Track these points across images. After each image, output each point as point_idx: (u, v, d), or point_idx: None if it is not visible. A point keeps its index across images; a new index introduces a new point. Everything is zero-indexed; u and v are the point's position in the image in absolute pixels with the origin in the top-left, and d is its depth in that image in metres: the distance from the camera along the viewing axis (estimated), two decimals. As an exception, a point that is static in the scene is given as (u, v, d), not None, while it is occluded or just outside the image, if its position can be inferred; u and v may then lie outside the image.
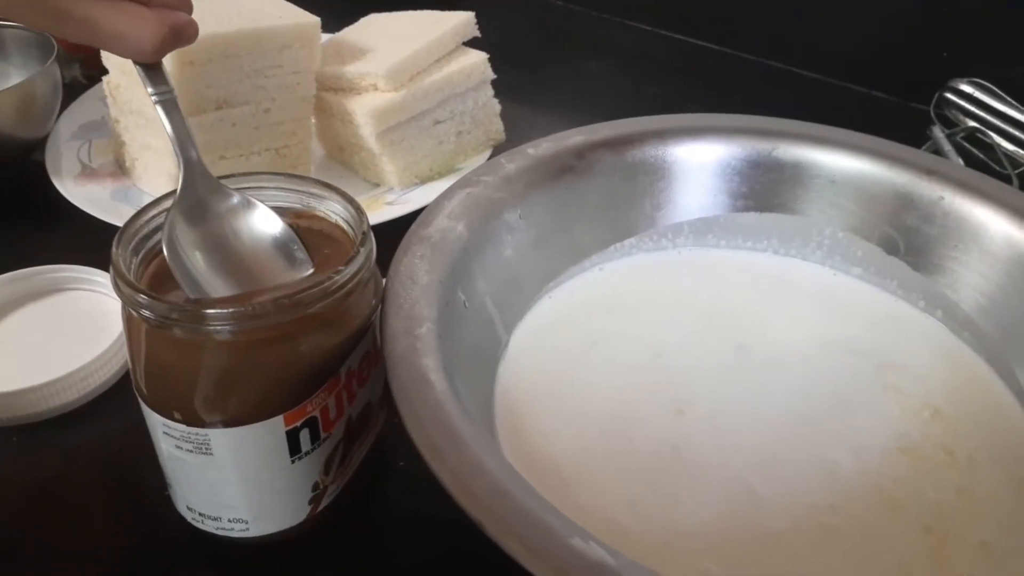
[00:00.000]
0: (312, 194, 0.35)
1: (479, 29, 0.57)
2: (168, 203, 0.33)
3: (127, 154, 0.55)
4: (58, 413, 0.41)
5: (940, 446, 0.36)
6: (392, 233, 0.38)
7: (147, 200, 0.52)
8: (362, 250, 0.31)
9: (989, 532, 0.33)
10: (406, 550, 0.37)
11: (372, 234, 0.32)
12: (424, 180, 0.56)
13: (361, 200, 0.54)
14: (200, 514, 0.33)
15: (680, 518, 0.34)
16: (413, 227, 0.38)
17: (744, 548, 0.33)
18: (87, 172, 0.55)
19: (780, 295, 0.44)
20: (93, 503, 0.38)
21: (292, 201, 0.35)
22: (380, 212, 0.52)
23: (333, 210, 0.34)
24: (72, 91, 0.63)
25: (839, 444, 0.36)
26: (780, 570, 0.32)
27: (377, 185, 0.57)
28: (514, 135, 0.61)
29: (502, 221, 0.41)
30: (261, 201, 0.35)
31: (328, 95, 0.55)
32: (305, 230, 0.35)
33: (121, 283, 0.29)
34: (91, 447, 0.40)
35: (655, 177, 0.46)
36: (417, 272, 0.35)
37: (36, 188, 0.55)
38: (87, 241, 0.50)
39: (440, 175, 0.56)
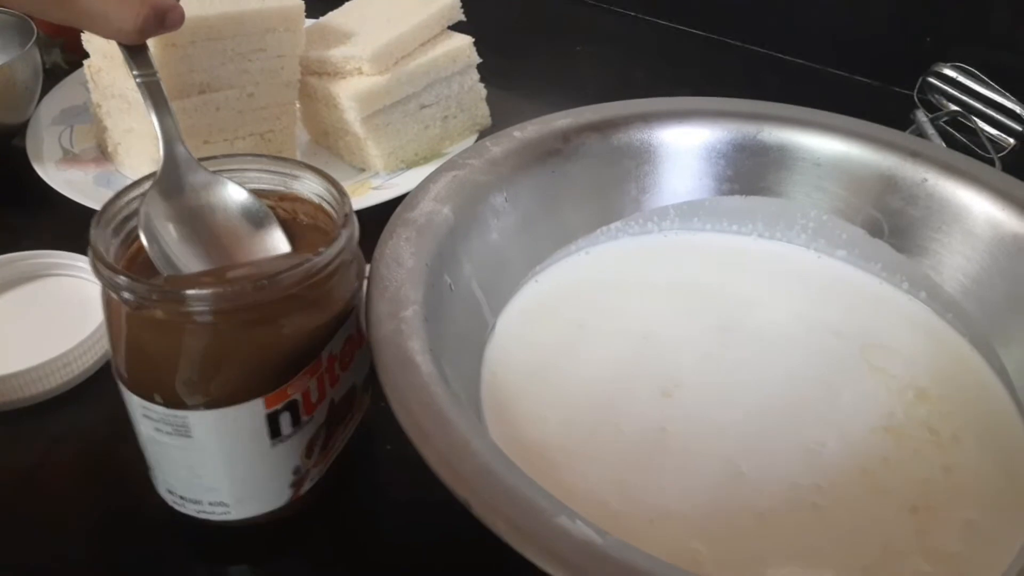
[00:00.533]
0: (295, 176, 0.35)
1: (464, 13, 0.57)
2: (148, 184, 0.33)
3: (109, 139, 0.55)
4: (41, 399, 0.40)
5: (925, 426, 0.37)
6: (378, 218, 0.38)
7: (130, 185, 0.52)
8: (343, 232, 0.31)
9: (974, 510, 0.33)
10: (390, 534, 0.37)
11: (355, 216, 0.32)
12: (410, 165, 0.56)
13: (347, 185, 0.54)
14: (181, 497, 0.33)
15: (667, 499, 0.34)
16: (399, 210, 0.38)
17: (730, 528, 0.33)
18: (69, 158, 0.55)
19: (765, 278, 0.45)
20: (76, 489, 0.38)
21: (275, 183, 0.35)
22: (366, 197, 0.52)
23: (316, 192, 0.34)
24: (53, 76, 0.63)
25: (825, 425, 0.37)
26: (766, 550, 0.32)
27: (363, 170, 0.56)
28: (500, 120, 0.60)
29: (488, 204, 0.41)
30: (244, 183, 0.35)
31: (313, 79, 0.55)
32: (288, 212, 0.35)
33: (100, 265, 0.29)
34: (74, 433, 0.40)
35: (641, 160, 0.46)
36: (403, 255, 0.35)
37: (17, 174, 0.54)
38: (69, 227, 0.49)
39: (426, 160, 0.56)
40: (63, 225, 0.50)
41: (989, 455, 0.36)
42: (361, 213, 0.37)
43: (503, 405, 0.37)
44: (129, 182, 0.49)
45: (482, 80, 0.59)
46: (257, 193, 0.35)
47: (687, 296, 0.43)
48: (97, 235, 0.30)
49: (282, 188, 0.35)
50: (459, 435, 0.27)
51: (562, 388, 0.38)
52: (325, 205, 0.34)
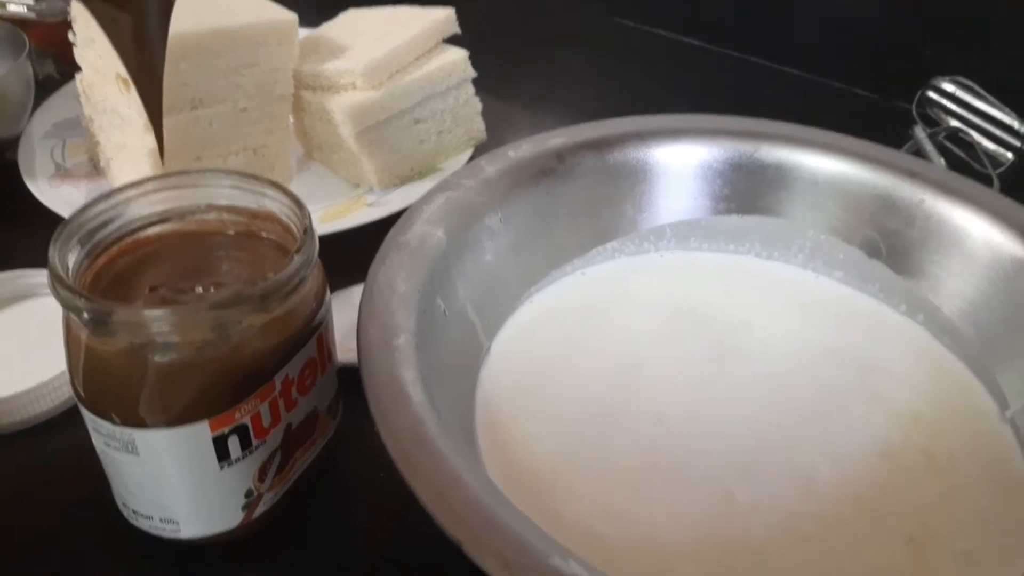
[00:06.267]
0: (264, 194, 0.34)
1: (459, 25, 0.57)
2: (120, 196, 0.33)
3: (102, 154, 0.54)
4: (31, 424, 0.40)
5: (921, 451, 0.36)
6: (372, 235, 0.37)
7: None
8: (296, 257, 0.31)
9: (972, 540, 0.33)
10: (351, 559, 0.36)
11: (314, 238, 0.32)
12: (405, 180, 0.55)
13: (341, 202, 0.54)
14: (134, 511, 0.34)
15: (659, 525, 0.33)
16: (391, 233, 0.38)
17: (723, 556, 0.33)
18: (61, 173, 0.54)
19: (762, 299, 0.44)
20: (65, 513, 0.37)
21: (248, 202, 0.35)
22: (360, 214, 0.51)
23: (282, 211, 0.34)
24: (46, 87, 0.62)
25: (819, 450, 0.36)
26: (760, 578, 0.32)
27: (357, 185, 0.56)
28: (495, 131, 0.60)
29: (483, 225, 0.41)
30: (218, 200, 0.35)
31: (306, 93, 0.54)
32: (257, 231, 0.35)
33: (57, 285, 0.29)
34: (64, 456, 0.40)
35: (636, 179, 0.45)
36: (395, 280, 0.35)
37: (9, 189, 0.54)
38: (61, 244, 0.49)
39: (421, 175, 0.56)
40: (55, 242, 0.50)
41: (986, 482, 0.35)
42: (355, 231, 0.37)
43: (497, 429, 0.37)
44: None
45: (477, 91, 0.58)
46: (231, 210, 0.35)
47: (683, 317, 0.43)
48: (56, 253, 0.30)
49: (254, 206, 0.35)
50: (450, 470, 0.27)
51: (556, 412, 0.38)
52: (292, 225, 0.34)
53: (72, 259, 0.31)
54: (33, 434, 0.40)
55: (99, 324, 0.29)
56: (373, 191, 0.55)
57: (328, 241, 0.35)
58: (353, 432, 0.38)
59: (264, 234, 0.35)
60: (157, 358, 0.29)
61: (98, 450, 0.33)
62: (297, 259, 0.31)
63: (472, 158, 0.58)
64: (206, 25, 0.49)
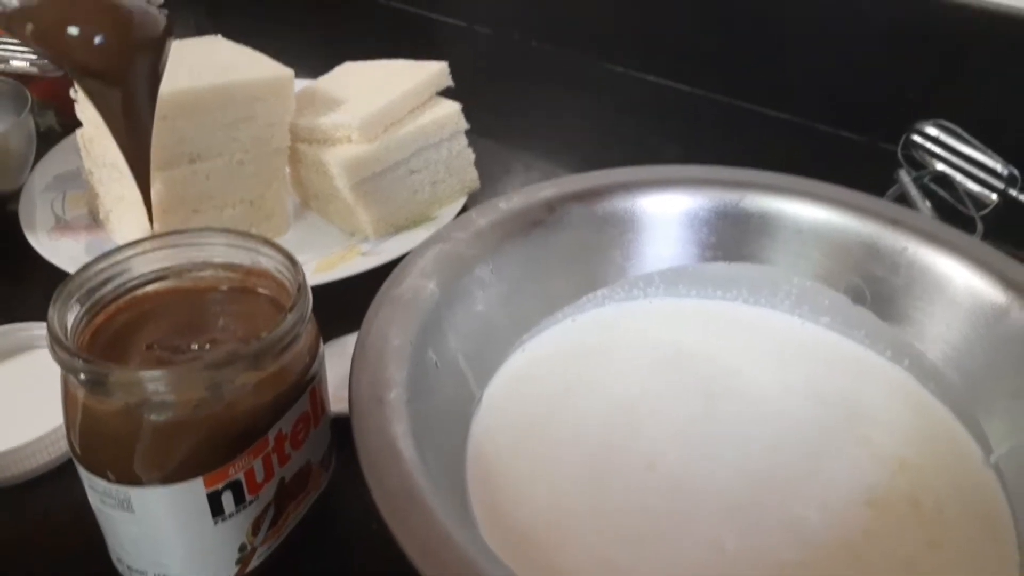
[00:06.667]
0: (258, 251, 0.35)
1: (454, 67, 0.58)
2: (118, 255, 0.34)
3: (101, 206, 0.55)
4: (28, 478, 0.41)
5: (908, 498, 0.37)
6: (366, 284, 0.38)
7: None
8: (290, 315, 0.32)
9: (961, 589, 0.33)
10: None
11: (308, 295, 0.33)
12: (399, 229, 0.56)
13: (336, 251, 0.55)
14: (128, 567, 0.34)
15: (651, 576, 0.34)
16: (384, 286, 0.38)
17: (716, 608, 0.33)
18: (61, 225, 0.55)
19: (751, 344, 0.45)
20: (60, 567, 0.38)
21: (243, 259, 0.36)
22: (354, 263, 0.52)
23: (276, 268, 0.35)
24: (47, 139, 0.63)
25: (808, 498, 0.37)
26: (751, 628, 0.32)
27: (352, 234, 0.57)
28: (489, 174, 0.62)
29: (474, 277, 0.41)
30: (214, 257, 0.36)
31: (302, 146, 0.56)
32: (253, 287, 0.36)
33: (56, 347, 0.30)
34: (60, 510, 0.40)
35: (624, 228, 0.46)
36: (387, 333, 0.36)
37: (10, 241, 0.55)
38: (61, 296, 0.49)
39: (416, 224, 0.57)
40: (55, 293, 0.51)
41: (973, 529, 0.36)
42: (350, 280, 0.37)
43: (489, 481, 0.37)
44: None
45: (471, 135, 0.59)
46: (226, 267, 0.36)
47: (672, 363, 0.44)
48: (55, 314, 0.31)
49: (249, 263, 0.36)
50: (440, 528, 0.27)
51: (547, 462, 0.38)
52: (286, 283, 0.34)
53: (71, 318, 0.32)
54: (29, 487, 0.41)
55: (96, 384, 0.29)
56: (368, 240, 0.56)
57: (323, 290, 0.36)
58: (346, 482, 0.38)
59: (259, 289, 0.36)
60: (153, 417, 0.30)
61: (93, 506, 0.33)
62: (290, 317, 0.32)
63: (466, 205, 0.59)
64: (204, 82, 0.50)
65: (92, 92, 0.34)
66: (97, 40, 0.33)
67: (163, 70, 0.35)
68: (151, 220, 0.36)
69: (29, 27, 0.34)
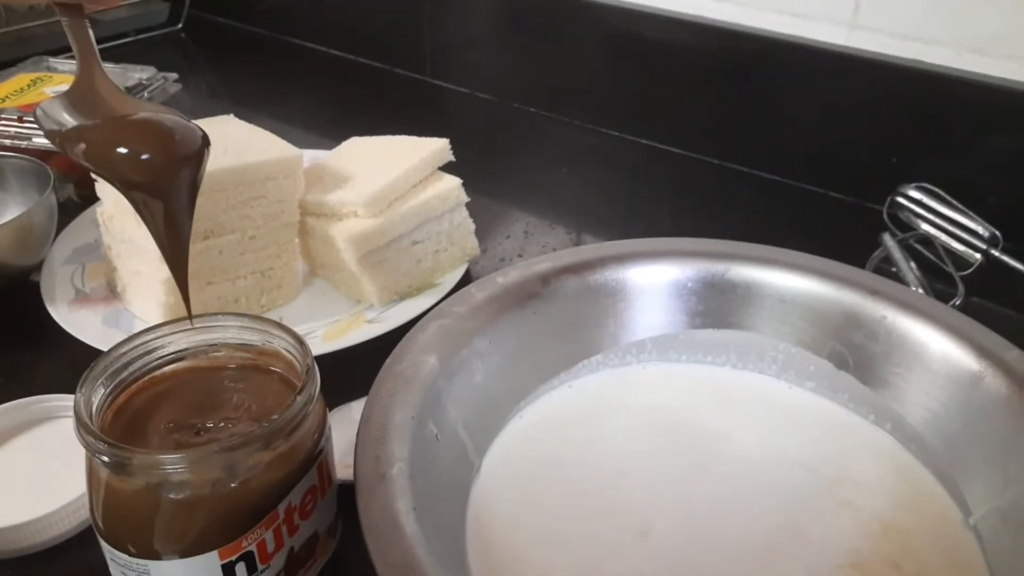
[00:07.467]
0: (270, 333, 0.38)
1: (459, 132, 0.61)
2: (140, 339, 0.36)
3: (119, 279, 0.58)
4: (51, 545, 0.42)
5: (890, 562, 0.38)
6: (372, 351, 0.40)
7: (138, 325, 0.55)
8: (299, 397, 0.34)
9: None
10: None
11: (316, 377, 0.35)
12: (404, 296, 0.59)
13: (342, 319, 0.57)
14: None
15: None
16: (388, 362, 0.41)
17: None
18: (80, 297, 0.58)
19: (739, 408, 0.47)
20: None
21: (255, 340, 0.38)
22: (361, 331, 0.54)
23: (286, 349, 0.37)
24: (67, 210, 0.66)
25: (793, 563, 0.38)
26: None
27: (358, 301, 0.59)
28: (489, 240, 0.64)
29: (472, 349, 0.44)
30: (228, 339, 0.39)
31: (311, 219, 0.58)
32: (264, 366, 0.38)
33: (83, 431, 0.32)
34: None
35: (617, 298, 0.49)
36: (391, 410, 0.38)
37: (32, 312, 0.57)
38: (81, 367, 0.51)
39: (419, 291, 0.59)
40: (75, 365, 0.52)
41: (952, 592, 0.37)
42: (356, 348, 0.39)
43: (487, 549, 0.39)
44: (137, 322, 0.54)
45: (471, 193, 0.61)
46: (240, 347, 0.39)
47: (664, 428, 0.46)
48: (82, 399, 0.33)
49: (260, 344, 0.38)
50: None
51: (543, 529, 0.40)
52: (296, 364, 0.37)
53: (96, 401, 0.34)
54: (50, 554, 0.43)
55: (119, 466, 0.32)
56: (373, 308, 0.58)
57: (330, 357, 0.38)
58: (352, 548, 0.40)
59: (271, 367, 0.38)
60: (172, 495, 0.32)
61: None
62: (300, 399, 0.34)
63: (467, 271, 0.61)
64: (217, 165, 0.53)
65: (137, 202, 0.37)
66: (144, 158, 0.36)
67: (201, 180, 0.38)
68: (187, 306, 0.39)
69: (81, 147, 0.36)
